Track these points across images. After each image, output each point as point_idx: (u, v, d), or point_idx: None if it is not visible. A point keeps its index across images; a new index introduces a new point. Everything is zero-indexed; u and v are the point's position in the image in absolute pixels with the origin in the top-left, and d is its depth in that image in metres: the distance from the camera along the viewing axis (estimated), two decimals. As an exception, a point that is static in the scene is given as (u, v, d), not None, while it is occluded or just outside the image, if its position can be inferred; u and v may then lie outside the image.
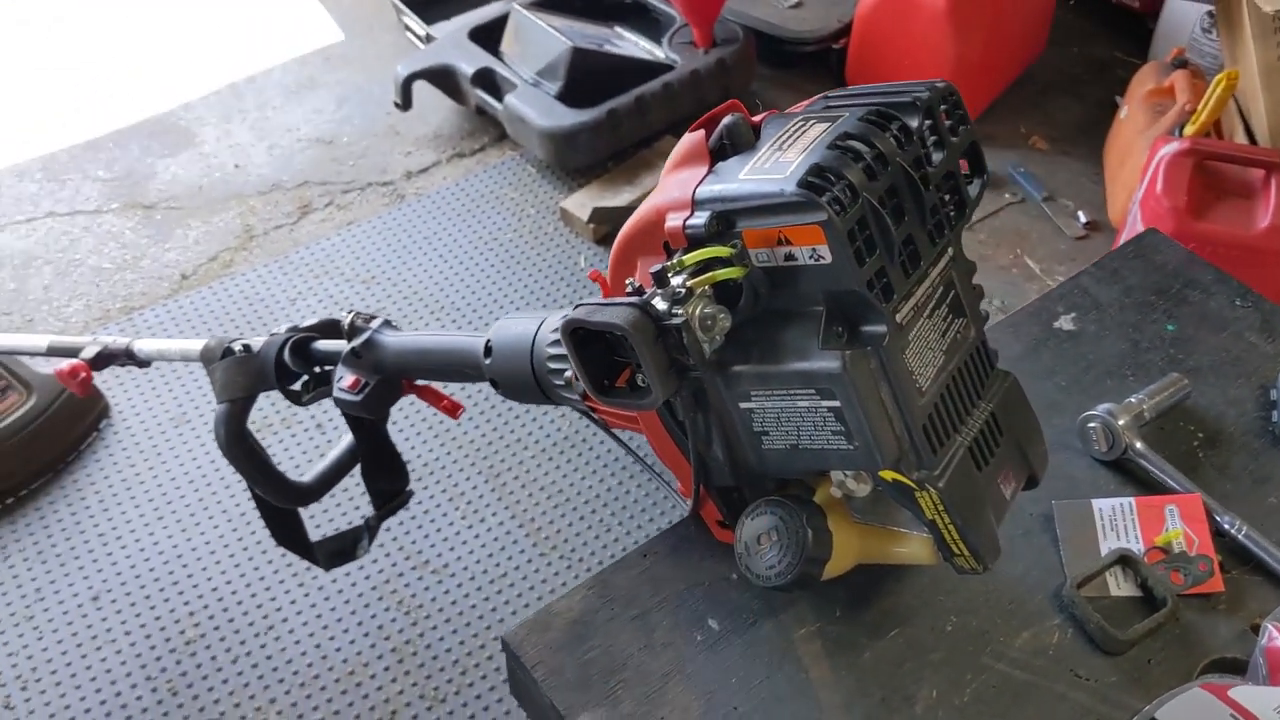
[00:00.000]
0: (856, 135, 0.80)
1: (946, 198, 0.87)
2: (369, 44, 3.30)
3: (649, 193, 0.92)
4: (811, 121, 0.85)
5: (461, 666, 1.87)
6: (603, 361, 0.86)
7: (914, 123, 0.83)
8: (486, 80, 2.83)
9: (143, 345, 1.53)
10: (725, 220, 0.82)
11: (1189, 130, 2.39)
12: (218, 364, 1.36)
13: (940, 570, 0.97)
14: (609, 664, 0.98)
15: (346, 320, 1.27)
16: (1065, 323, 1.29)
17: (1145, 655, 0.99)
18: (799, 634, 1.00)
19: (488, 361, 1.08)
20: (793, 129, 0.84)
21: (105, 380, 2.28)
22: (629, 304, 0.80)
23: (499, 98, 2.80)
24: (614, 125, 2.72)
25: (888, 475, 0.85)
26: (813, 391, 0.82)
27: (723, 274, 0.81)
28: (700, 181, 0.85)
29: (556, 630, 1.01)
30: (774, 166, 0.80)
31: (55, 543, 2.05)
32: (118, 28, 3.34)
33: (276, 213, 2.75)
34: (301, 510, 1.50)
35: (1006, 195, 2.79)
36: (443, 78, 2.89)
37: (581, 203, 2.69)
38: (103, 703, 1.82)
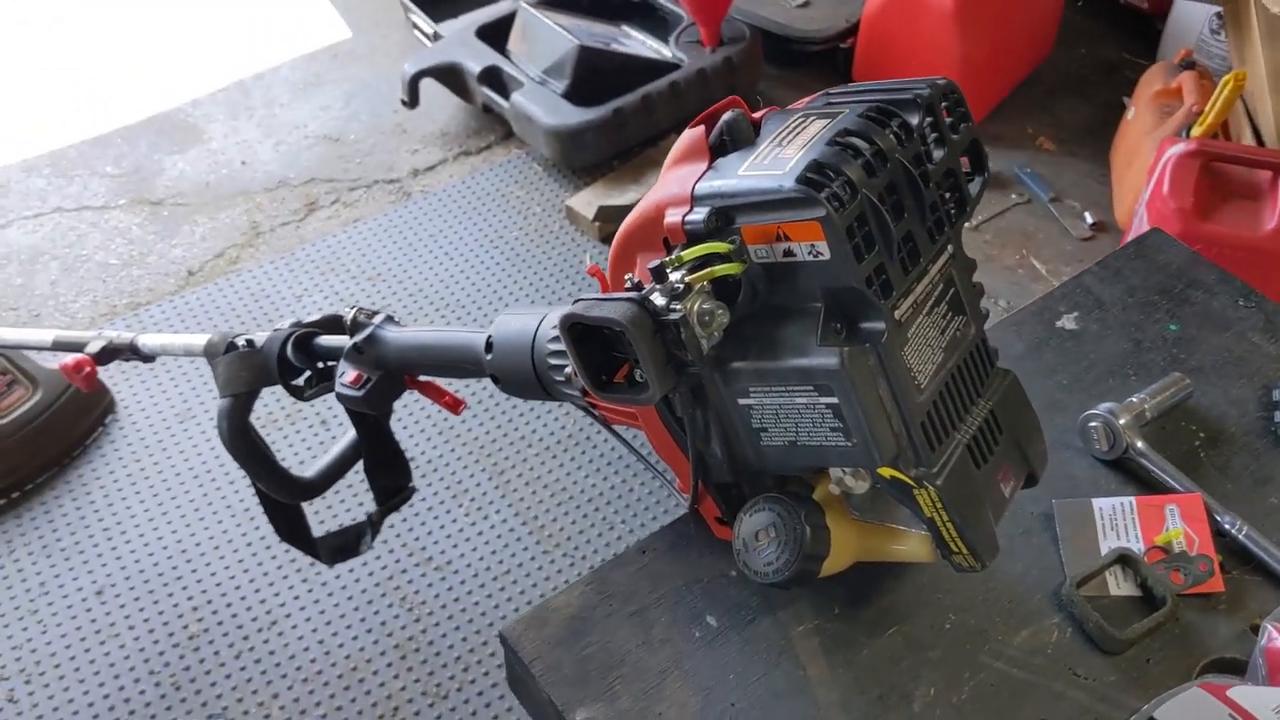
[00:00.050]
0: (856, 132, 0.80)
1: (947, 195, 0.87)
2: (377, 42, 3.30)
3: (653, 190, 0.92)
4: (812, 118, 0.85)
5: (464, 663, 1.87)
6: (601, 357, 0.86)
7: (914, 120, 0.83)
8: (493, 78, 2.83)
9: (147, 340, 1.54)
10: (724, 216, 0.82)
11: (1196, 131, 2.38)
12: (221, 359, 1.37)
13: (939, 568, 0.97)
14: (607, 660, 0.98)
15: (349, 316, 1.27)
16: (1067, 322, 1.28)
17: (1144, 655, 0.99)
18: (797, 631, 1.00)
19: (489, 357, 1.08)
20: (793, 125, 0.84)
21: (111, 376, 2.29)
22: (627, 299, 0.80)
23: (506, 96, 2.80)
24: (620, 124, 2.72)
25: (886, 472, 0.85)
26: (811, 388, 0.82)
27: (721, 270, 0.81)
28: (700, 177, 0.85)
29: (554, 626, 1.01)
30: (773, 163, 0.81)
31: (60, 537, 2.05)
32: (118, 27, 3.34)
33: (283, 209, 2.76)
34: (305, 505, 1.50)
35: (1013, 196, 2.78)
36: (450, 76, 2.89)
37: (587, 201, 2.69)
38: (105, 696, 1.83)
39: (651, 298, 0.80)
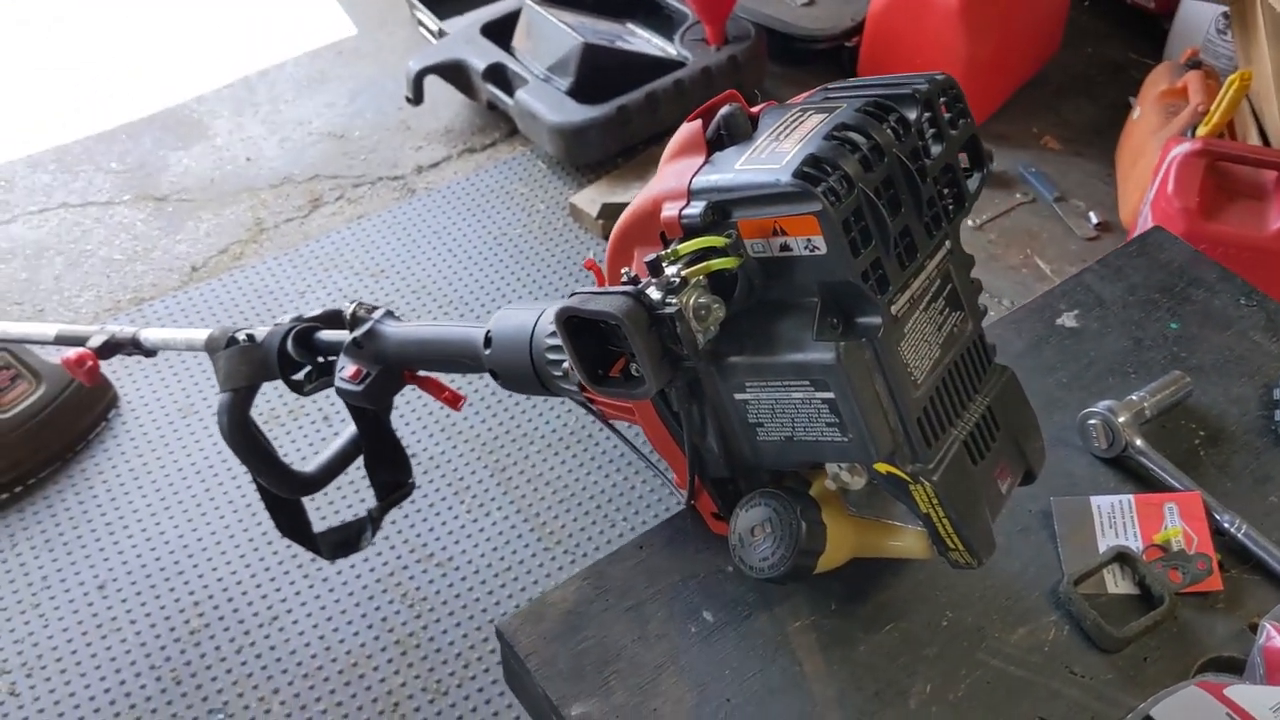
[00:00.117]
0: (853, 126, 0.80)
1: (945, 191, 0.87)
2: (382, 38, 3.31)
3: (656, 188, 0.92)
4: (809, 112, 0.85)
5: (464, 659, 1.87)
6: (598, 351, 0.86)
7: (912, 115, 0.83)
8: (498, 75, 2.83)
9: (148, 334, 1.54)
10: (721, 210, 0.82)
11: (1201, 131, 2.37)
12: (222, 353, 1.37)
13: (937, 565, 0.97)
14: (603, 655, 0.98)
15: (349, 311, 1.27)
16: (1068, 320, 1.28)
17: (1142, 653, 0.98)
18: (793, 627, 1.00)
19: (487, 352, 1.08)
20: (790, 120, 0.84)
21: (114, 371, 2.29)
22: (623, 293, 0.80)
23: (510, 93, 2.80)
24: (624, 121, 2.72)
25: (882, 468, 0.85)
26: (807, 383, 0.82)
27: (717, 264, 0.81)
28: (697, 171, 0.85)
29: (550, 620, 1.01)
30: (770, 157, 0.80)
31: (62, 531, 2.06)
32: (118, 27, 3.34)
33: (287, 206, 2.76)
34: (306, 501, 1.50)
35: (1018, 195, 2.78)
36: (454, 73, 2.89)
37: (591, 199, 2.69)
38: (107, 691, 1.83)
39: (647, 291, 0.80)
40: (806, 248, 0.79)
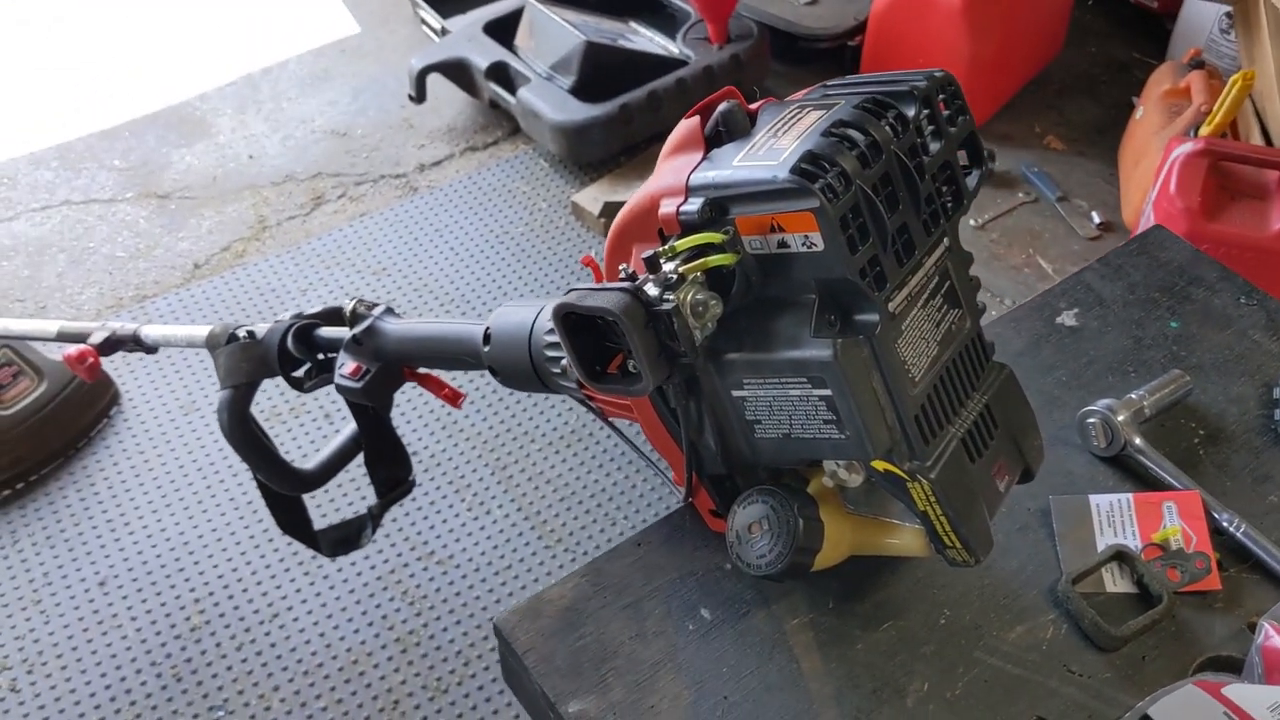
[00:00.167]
0: (851, 123, 0.80)
1: (943, 188, 0.86)
2: (385, 36, 3.31)
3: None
4: (808, 109, 0.85)
5: (464, 657, 1.88)
6: (596, 348, 0.86)
7: (910, 112, 0.83)
8: (500, 74, 2.83)
9: (149, 331, 1.54)
10: (719, 207, 0.82)
11: (1204, 131, 2.37)
12: (222, 349, 1.37)
13: (935, 564, 0.97)
14: (600, 652, 0.98)
15: (348, 307, 1.27)
16: (1067, 318, 1.28)
17: (1140, 652, 0.98)
18: (791, 624, 1.00)
19: (486, 349, 1.08)
20: (788, 116, 0.84)
21: (116, 368, 2.30)
22: (620, 289, 0.80)
23: (512, 91, 2.80)
24: (626, 120, 2.72)
25: (879, 465, 0.85)
26: (804, 380, 0.82)
27: (715, 260, 0.81)
28: (695, 168, 0.85)
29: (548, 617, 1.01)
30: (768, 153, 0.80)
31: (64, 528, 2.06)
32: (119, 27, 3.33)
33: (289, 203, 2.76)
34: (306, 498, 1.50)
35: (1020, 195, 2.78)
36: (457, 71, 2.89)
37: (593, 197, 2.69)
38: (107, 687, 1.83)
39: (644, 288, 0.80)
40: (804, 244, 0.78)
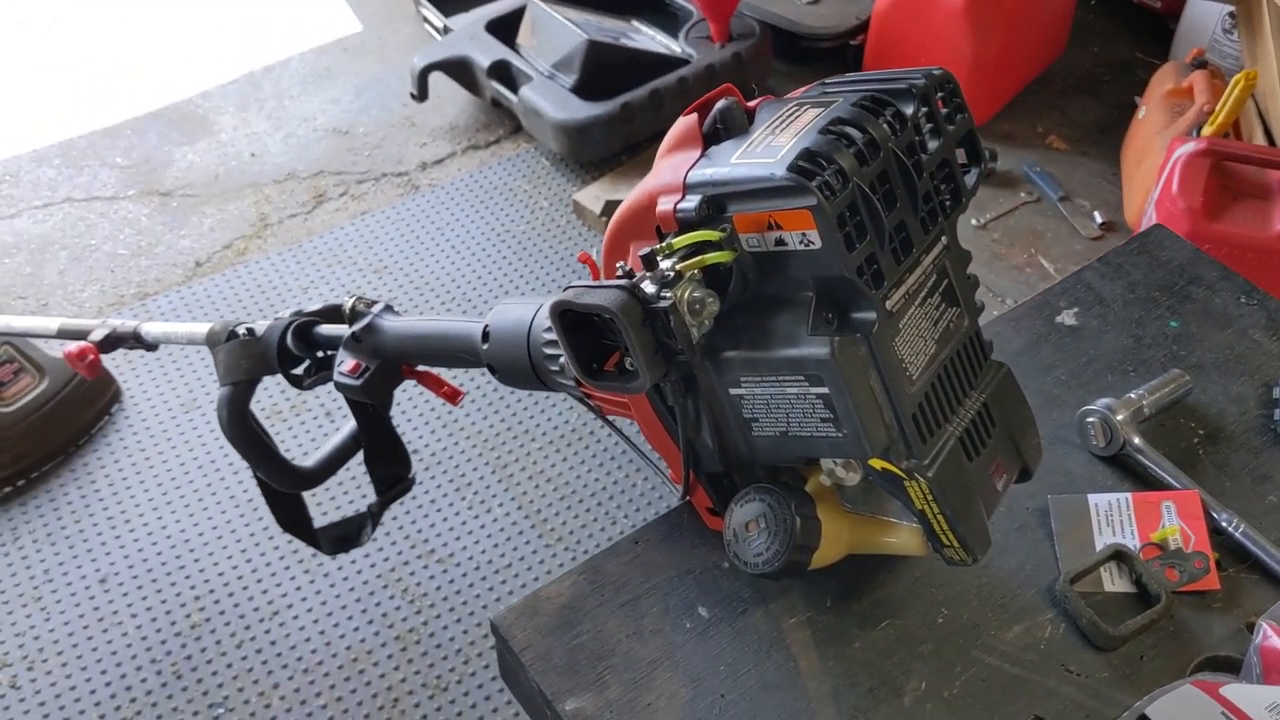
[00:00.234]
0: (849, 120, 0.80)
1: (941, 186, 0.86)
2: (387, 35, 3.31)
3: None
4: (806, 107, 0.84)
5: (464, 655, 1.88)
6: (593, 345, 0.86)
7: (909, 109, 0.83)
8: (502, 72, 2.83)
9: (149, 328, 1.55)
10: (716, 204, 0.82)
11: (1207, 130, 2.37)
12: (222, 347, 1.37)
13: (933, 563, 0.97)
14: (597, 649, 0.98)
15: (348, 305, 1.27)
16: (1067, 317, 1.28)
17: (1138, 651, 0.98)
18: (789, 623, 0.99)
19: (485, 347, 1.08)
20: (786, 114, 0.84)
21: (117, 366, 2.30)
22: (617, 286, 0.80)
23: (514, 90, 2.80)
24: (628, 119, 2.72)
25: (877, 464, 0.85)
26: (802, 378, 0.82)
27: (712, 258, 0.81)
28: (692, 165, 0.85)
29: (545, 615, 1.01)
30: (765, 151, 0.80)
31: (64, 525, 2.06)
32: (119, 27, 3.33)
33: (291, 201, 2.76)
34: (306, 496, 1.50)
35: (1022, 194, 2.77)
36: (459, 69, 2.89)
37: (595, 196, 2.69)
38: (107, 684, 1.83)
39: (641, 285, 0.80)
40: (801, 242, 0.78)
